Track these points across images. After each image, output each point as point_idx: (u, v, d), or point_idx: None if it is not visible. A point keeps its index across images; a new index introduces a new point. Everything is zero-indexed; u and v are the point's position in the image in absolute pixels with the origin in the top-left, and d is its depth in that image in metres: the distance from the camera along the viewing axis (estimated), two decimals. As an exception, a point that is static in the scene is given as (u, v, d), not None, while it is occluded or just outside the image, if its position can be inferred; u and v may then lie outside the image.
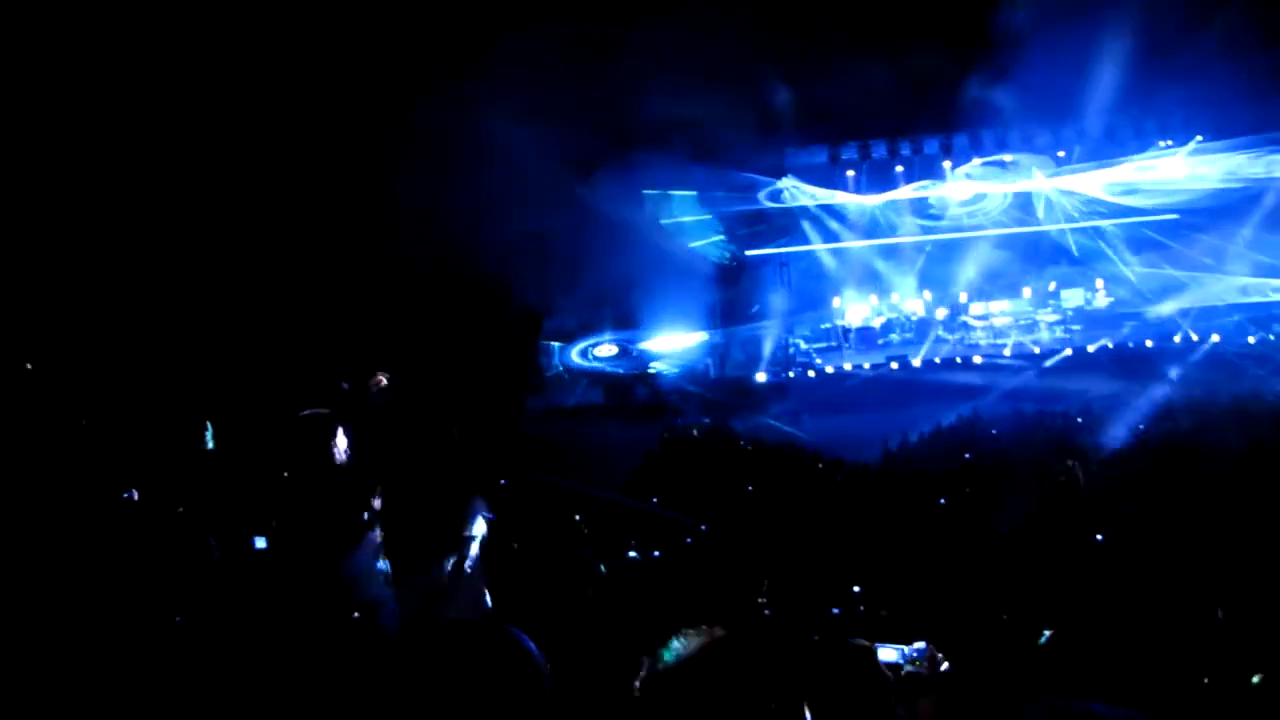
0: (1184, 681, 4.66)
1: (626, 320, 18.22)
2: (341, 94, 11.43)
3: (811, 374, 18.18)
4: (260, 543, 3.81)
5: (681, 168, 17.79)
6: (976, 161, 20.10)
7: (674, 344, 18.39)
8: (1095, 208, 20.06)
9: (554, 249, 14.98)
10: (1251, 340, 17.70)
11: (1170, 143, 19.45)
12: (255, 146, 10.53)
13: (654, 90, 14.81)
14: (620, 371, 18.21)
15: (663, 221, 18.89)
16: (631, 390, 17.79)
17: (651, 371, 18.11)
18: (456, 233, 12.56)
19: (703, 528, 10.16)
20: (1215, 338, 17.63)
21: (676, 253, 17.82)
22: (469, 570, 4.17)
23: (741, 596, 7.99)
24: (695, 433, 15.15)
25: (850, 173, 20.31)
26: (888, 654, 3.86)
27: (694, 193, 19.29)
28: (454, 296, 13.58)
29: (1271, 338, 17.70)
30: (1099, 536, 9.07)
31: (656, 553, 9.32)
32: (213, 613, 2.84)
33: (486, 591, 4.20)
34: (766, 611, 7.72)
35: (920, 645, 3.76)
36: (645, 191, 18.36)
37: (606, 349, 18.47)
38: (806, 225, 20.35)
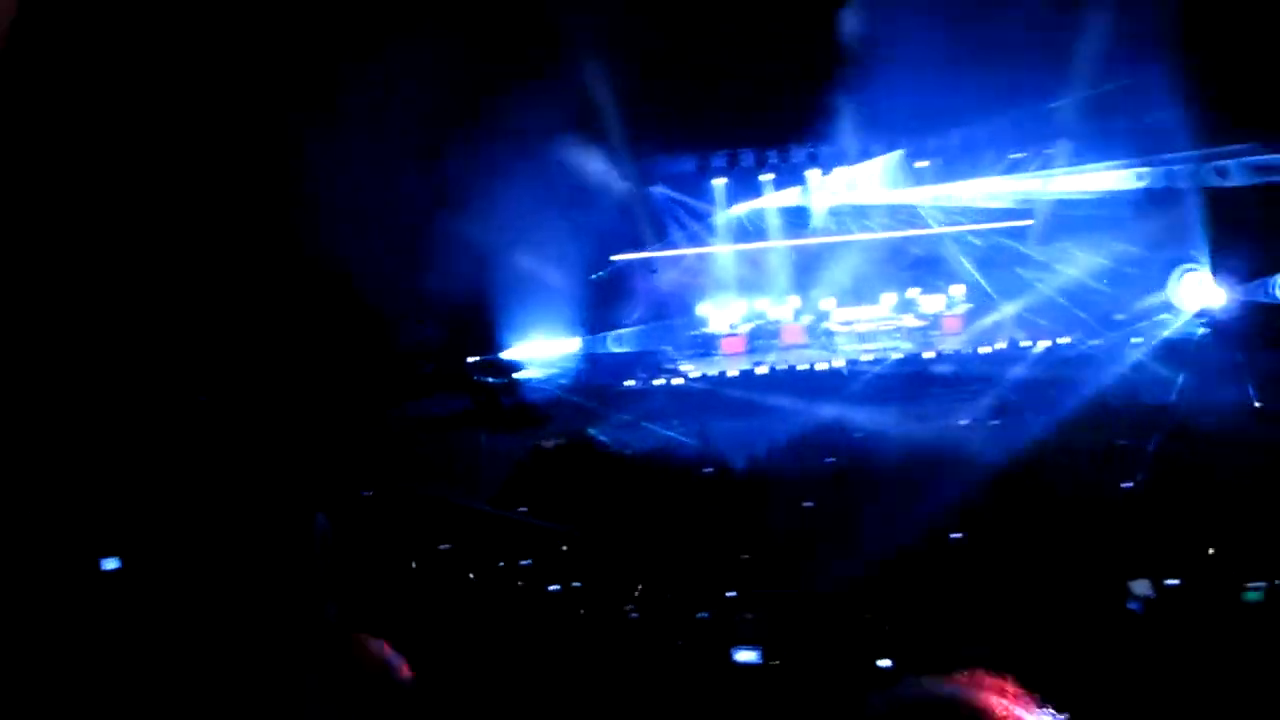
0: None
1: (493, 328, 17.95)
2: (178, 88, 11.02)
3: (679, 380, 18.21)
4: (110, 563, 3.59)
5: (549, 174, 17.61)
6: (842, 169, 20.40)
7: (542, 351, 18.20)
8: (956, 216, 20.64)
9: (416, 254, 14.71)
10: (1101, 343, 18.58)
11: (1026, 154, 20.15)
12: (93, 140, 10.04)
13: (522, 98, 14.71)
14: (489, 380, 17.93)
15: (531, 228, 18.65)
16: (500, 399, 17.53)
17: (520, 379, 17.87)
18: (316, 235, 12.24)
19: (575, 534, 10.06)
20: (1065, 339, 18.45)
21: (544, 259, 17.63)
22: (307, 577, 4.00)
23: (612, 603, 7.95)
24: (564, 440, 14.99)
25: (718, 180, 20.45)
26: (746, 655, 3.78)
27: (562, 200, 19.08)
28: (309, 302, 13.22)
29: (1099, 340, 18.59)
30: (955, 535, 9.32)
31: (526, 561, 9.20)
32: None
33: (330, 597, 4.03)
34: (634, 616, 7.70)
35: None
36: (513, 198, 18.10)
37: (475, 357, 18.16)
38: (675, 232, 20.41)
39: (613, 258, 19.62)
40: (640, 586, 7.67)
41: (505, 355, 18.09)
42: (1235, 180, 17.89)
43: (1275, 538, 8.24)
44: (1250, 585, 7.19)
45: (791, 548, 8.93)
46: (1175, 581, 7.47)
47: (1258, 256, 18.37)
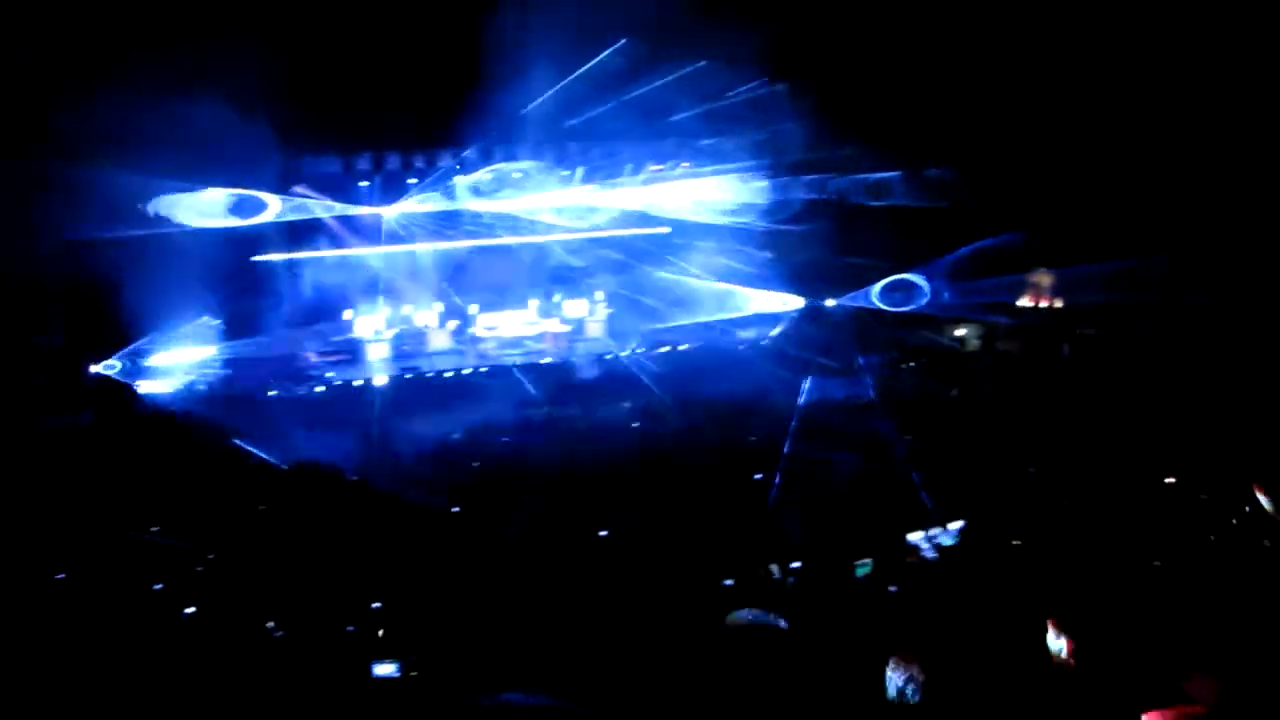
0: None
1: (120, 333, 16.74)
2: None
3: (323, 388, 17.84)
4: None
5: (186, 171, 16.63)
6: (486, 174, 20.66)
7: (176, 358, 17.19)
8: (597, 222, 21.49)
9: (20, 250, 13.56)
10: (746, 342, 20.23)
11: (663, 166, 21.39)
12: None
13: (157, 88, 13.94)
14: (115, 389, 16.72)
15: (162, 226, 17.52)
16: (129, 409, 16.40)
17: (152, 388, 16.79)
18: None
19: (210, 555, 9.72)
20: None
21: (178, 260, 16.63)
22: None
23: (251, 620, 7.80)
24: (202, 452, 14.27)
25: (363, 182, 20.15)
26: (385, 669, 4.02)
27: (197, 197, 18.05)
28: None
29: (743, 344, 20.23)
30: (603, 533, 9.88)
31: (158, 585, 8.81)
32: None
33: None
34: (279, 634, 7.61)
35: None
36: (151, 194, 16.95)
37: (98, 366, 16.85)
38: (318, 234, 19.84)
39: (254, 258, 18.75)
40: (281, 604, 7.58)
41: (134, 362, 16.96)
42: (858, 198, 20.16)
43: (885, 520, 9.48)
44: (859, 562, 8.25)
45: (437, 555, 9.09)
46: (798, 564, 8.40)
47: (868, 266, 20.76)
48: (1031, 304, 20.52)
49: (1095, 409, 13.27)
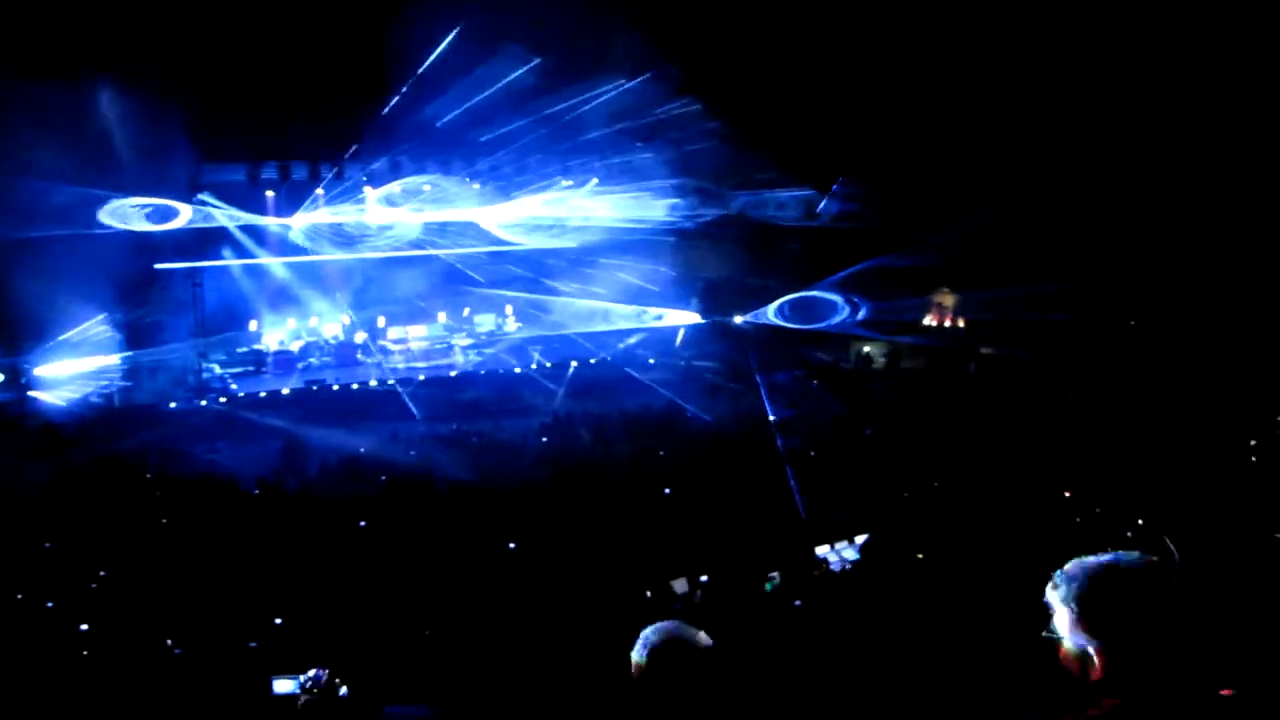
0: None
1: (15, 342, 16.21)
2: None
3: (226, 400, 17.51)
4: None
5: (85, 178, 16.16)
6: (396, 187, 20.53)
7: (71, 368, 16.67)
8: (505, 237, 21.52)
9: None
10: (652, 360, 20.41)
11: (572, 182, 21.49)
12: None
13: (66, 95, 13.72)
14: (7, 399, 16.18)
15: (60, 230, 16.96)
16: (22, 420, 15.87)
17: (48, 399, 16.26)
18: None
19: (103, 572, 9.48)
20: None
21: (73, 267, 16.12)
22: None
23: (150, 639, 7.65)
24: (94, 465, 13.88)
25: (269, 193, 19.81)
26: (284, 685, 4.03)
27: (100, 204, 17.49)
28: None
29: (651, 360, 20.40)
30: (512, 545, 9.88)
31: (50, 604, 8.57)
32: None
33: None
34: (178, 651, 7.47)
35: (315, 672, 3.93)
36: (40, 199, 16.41)
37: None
38: (222, 244, 19.40)
39: (157, 266, 18.23)
40: (180, 621, 7.44)
41: (26, 371, 16.43)
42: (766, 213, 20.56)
43: (790, 534, 9.66)
44: (769, 576, 8.41)
45: (342, 570, 9.00)
46: (705, 578, 8.52)
47: (774, 284, 21.14)
48: (936, 323, 21.08)
49: (999, 425, 13.69)
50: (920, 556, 8.68)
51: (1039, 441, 12.21)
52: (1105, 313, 18.05)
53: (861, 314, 20.56)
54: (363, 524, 10.73)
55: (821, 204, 20.98)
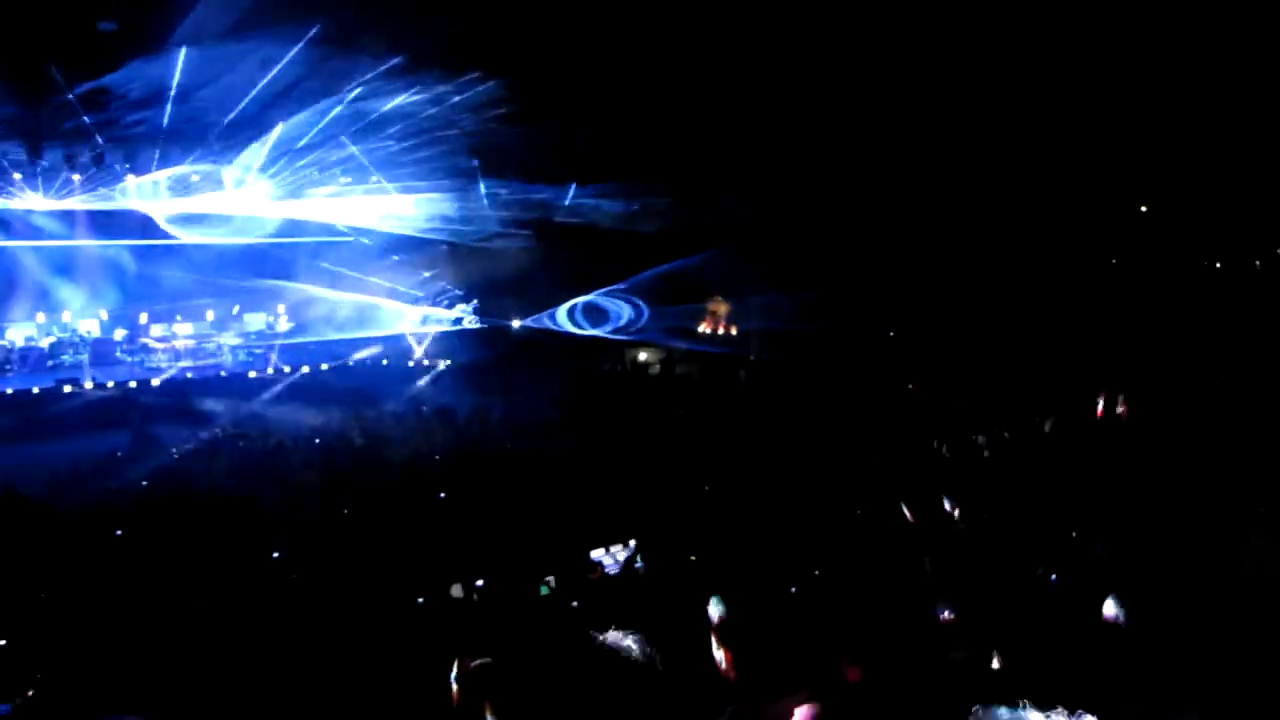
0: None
1: None
2: None
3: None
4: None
5: None
6: (164, 174, 19.38)
7: None
8: (278, 231, 20.79)
9: None
10: (412, 362, 20.18)
11: (351, 179, 20.97)
12: None
13: None
14: None
15: None
16: None
17: None
18: None
19: None
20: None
21: None
22: None
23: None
24: None
25: (16, 175, 18.33)
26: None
27: None
28: None
29: (426, 362, 20.27)
30: (275, 554, 9.62)
31: None
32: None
33: None
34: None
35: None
36: None
37: None
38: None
39: None
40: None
41: None
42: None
43: (565, 539, 9.82)
44: (544, 581, 8.52)
45: (93, 582, 8.56)
46: (481, 582, 8.54)
47: (553, 289, 21.37)
48: (710, 330, 21.84)
49: (769, 430, 14.31)
50: (693, 558, 9.01)
51: (806, 445, 12.82)
52: (867, 321, 19.15)
53: (644, 319, 21.07)
54: (119, 532, 10.22)
55: (615, 208, 21.30)
